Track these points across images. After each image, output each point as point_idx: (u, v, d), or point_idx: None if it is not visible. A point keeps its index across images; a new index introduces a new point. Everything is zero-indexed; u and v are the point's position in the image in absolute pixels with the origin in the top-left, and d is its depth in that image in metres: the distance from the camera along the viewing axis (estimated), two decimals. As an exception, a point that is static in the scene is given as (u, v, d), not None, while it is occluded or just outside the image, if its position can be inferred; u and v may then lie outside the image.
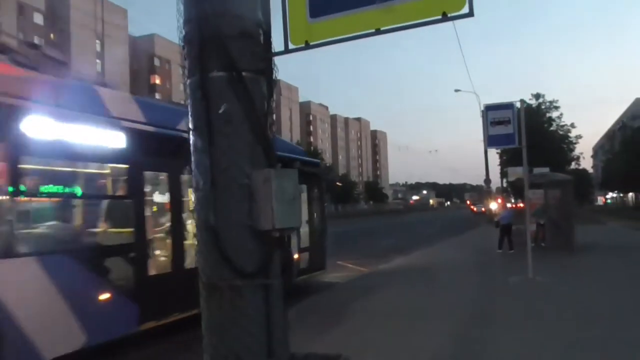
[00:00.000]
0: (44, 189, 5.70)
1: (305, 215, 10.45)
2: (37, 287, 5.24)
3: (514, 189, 47.62)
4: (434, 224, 45.30)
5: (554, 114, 46.73)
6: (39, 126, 5.45)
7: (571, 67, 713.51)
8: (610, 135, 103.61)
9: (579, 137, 47.57)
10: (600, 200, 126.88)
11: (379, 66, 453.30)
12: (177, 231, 7.35)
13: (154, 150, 6.90)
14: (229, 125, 3.02)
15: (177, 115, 7.22)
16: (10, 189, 5.12)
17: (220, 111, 3.03)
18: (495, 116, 11.16)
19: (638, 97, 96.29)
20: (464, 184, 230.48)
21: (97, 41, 68.69)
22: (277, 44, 3.28)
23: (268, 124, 3.20)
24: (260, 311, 2.96)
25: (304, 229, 10.41)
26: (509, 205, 29.61)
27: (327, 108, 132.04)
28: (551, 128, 46.48)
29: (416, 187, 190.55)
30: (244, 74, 3.05)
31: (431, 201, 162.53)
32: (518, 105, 11.78)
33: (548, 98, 47.46)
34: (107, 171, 6.79)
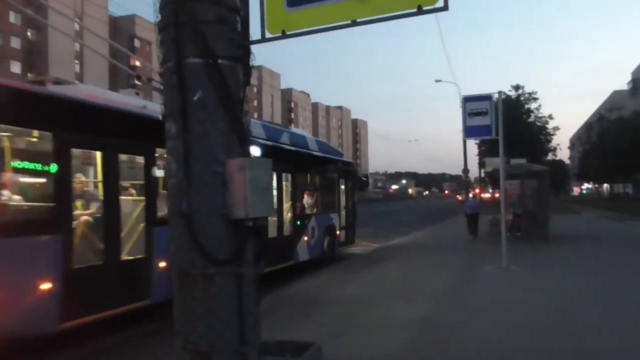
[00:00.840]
0: None
1: (343, 202, 14.42)
2: None
3: (491, 179, 48.30)
4: (413, 212, 45.71)
5: (533, 106, 47.33)
6: None
7: (550, 59, 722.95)
8: (587, 127, 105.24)
9: (556, 128, 48.29)
10: (576, 190, 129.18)
11: (360, 55, 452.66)
12: (300, 210, 11.75)
13: (278, 157, 9.24)
14: (204, 112, 3.00)
15: (278, 132, 11.54)
16: None
17: (196, 98, 3.01)
18: (474, 107, 11.29)
19: (615, 90, 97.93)
20: (443, 174, 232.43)
21: (77, 19, 67.08)
22: (255, 32, 3.27)
23: (243, 112, 3.19)
24: (233, 299, 2.98)
25: (343, 213, 14.37)
26: (471, 195, 30.73)
27: (308, 95, 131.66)
28: (529, 119, 47.10)
29: (396, 176, 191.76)
30: (220, 61, 3.03)
31: (410, 190, 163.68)
32: (496, 96, 11.91)
33: (527, 89, 48.01)
34: None
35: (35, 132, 6.07)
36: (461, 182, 56.69)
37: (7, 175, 5.71)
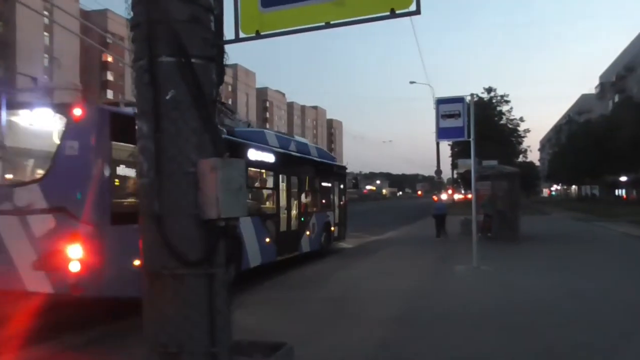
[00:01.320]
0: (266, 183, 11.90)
1: (336, 202, 16.29)
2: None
3: (464, 181, 48.97)
4: (388, 213, 46.02)
5: (505, 108, 48.22)
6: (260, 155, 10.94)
7: (522, 62, 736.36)
8: (557, 130, 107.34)
9: (527, 130, 49.32)
10: (545, 192, 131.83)
11: (336, 56, 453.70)
12: (305, 208, 13.54)
13: (288, 162, 12.46)
14: (177, 111, 2.97)
15: (288, 141, 13.26)
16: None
17: (168, 97, 2.99)
18: (447, 109, 11.41)
19: (584, 94, 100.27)
20: (417, 175, 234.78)
21: (46, 12, 65.31)
22: (229, 32, 3.25)
23: (216, 112, 3.18)
24: (203, 300, 2.96)
25: (337, 211, 16.21)
26: (444, 197, 31.51)
27: (284, 95, 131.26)
28: (501, 121, 47.93)
29: (370, 177, 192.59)
30: (193, 60, 3.01)
31: (384, 191, 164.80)
32: (469, 99, 12.07)
33: (500, 92, 48.86)
34: (271, 174, 11.79)
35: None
36: (434, 183, 57.23)
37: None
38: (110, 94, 76.22)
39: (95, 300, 6.71)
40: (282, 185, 12.38)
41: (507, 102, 47.79)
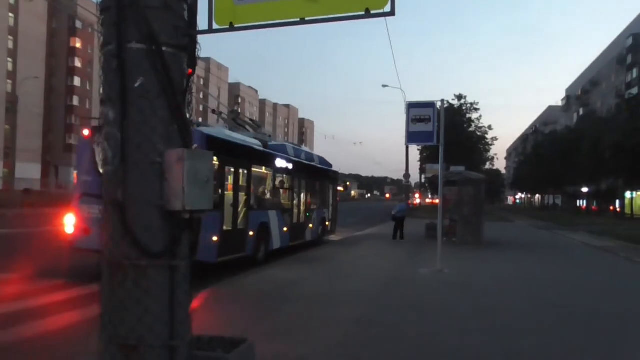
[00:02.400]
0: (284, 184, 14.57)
1: (330, 201, 19.34)
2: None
3: (431, 185, 49.65)
4: (357, 214, 46.24)
5: (474, 116, 49.08)
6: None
7: (492, 72, 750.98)
8: (523, 139, 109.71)
9: (495, 139, 50.36)
10: (510, 199, 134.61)
11: (311, 56, 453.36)
12: (309, 205, 16.72)
13: (300, 169, 15.67)
14: (145, 99, 2.91)
15: (299, 151, 16.81)
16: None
17: (137, 85, 2.92)
18: (417, 114, 11.53)
19: (551, 105, 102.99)
20: (386, 178, 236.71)
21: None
22: (203, 23, 3.21)
23: (186, 102, 3.13)
24: (164, 292, 2.91)
25: (330, 209, 19.26)
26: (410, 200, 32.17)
27: (256, 92, 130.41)
28: (470, 128, 48.76)
29: (340, 178, 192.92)
30: (164, 48, 2.95)
31: (353, 192, 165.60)
32: (439, 104, 12.23)
33: (470, 100, 49.72)
34: (289, 177, 14.93)
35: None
36: (402, 187, 57.71)
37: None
38: (77, 81, 74.18)
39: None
40: (296, 187, 15.39)
41: (476, 109, 48.75)
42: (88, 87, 74.42)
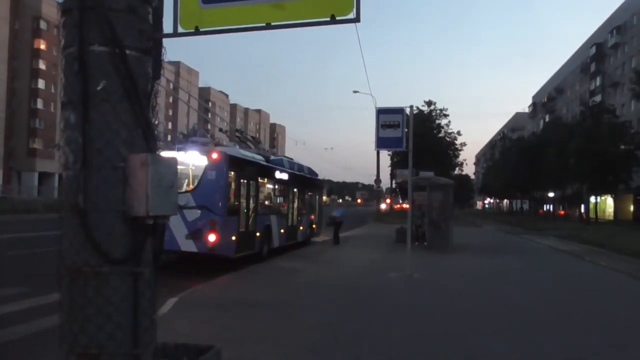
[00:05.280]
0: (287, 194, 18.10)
1: (317, 207, 22.48)
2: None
3: (402, 190, 50.09)
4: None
5: (443, 122, 49.77)
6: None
7: (461, 78, 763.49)
8: (491, 145, 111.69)
9: (463, 144, 51.18)
10: (479, 204, 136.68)
11: (282, 61, 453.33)
12: (300, 210, 19.30)
13: (294, 179, 18.30)
14: (107, 103, 2.84)
15: (293, 164, 19.23)
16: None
17: (99, 88, 2.86)
18: (386, 119, 11.63)
19: (518, 112, 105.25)
20: (357, 183, 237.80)
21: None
22: (168, 26, 3.18)
23: (151, 107, 3.08)
24: (127, 300, 2.84)
25: (317, 214, 22.32)
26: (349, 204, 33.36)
27: (227, 96, 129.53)
28: (440, 134, 49.40)
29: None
30: (127, 51, 2.90)
31: (324, 198, 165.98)
32: (409, 110, 12.37)
33: (439, 106, 50.40)
34: (285, 186, 17.71)
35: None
36: (373, 192, 58.00)
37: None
38: (41, 84, 72.18)
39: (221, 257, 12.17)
40: (290, 194, 18.13)
41: (446, 115, 49.44)
42: (53, 90, 72.07)
